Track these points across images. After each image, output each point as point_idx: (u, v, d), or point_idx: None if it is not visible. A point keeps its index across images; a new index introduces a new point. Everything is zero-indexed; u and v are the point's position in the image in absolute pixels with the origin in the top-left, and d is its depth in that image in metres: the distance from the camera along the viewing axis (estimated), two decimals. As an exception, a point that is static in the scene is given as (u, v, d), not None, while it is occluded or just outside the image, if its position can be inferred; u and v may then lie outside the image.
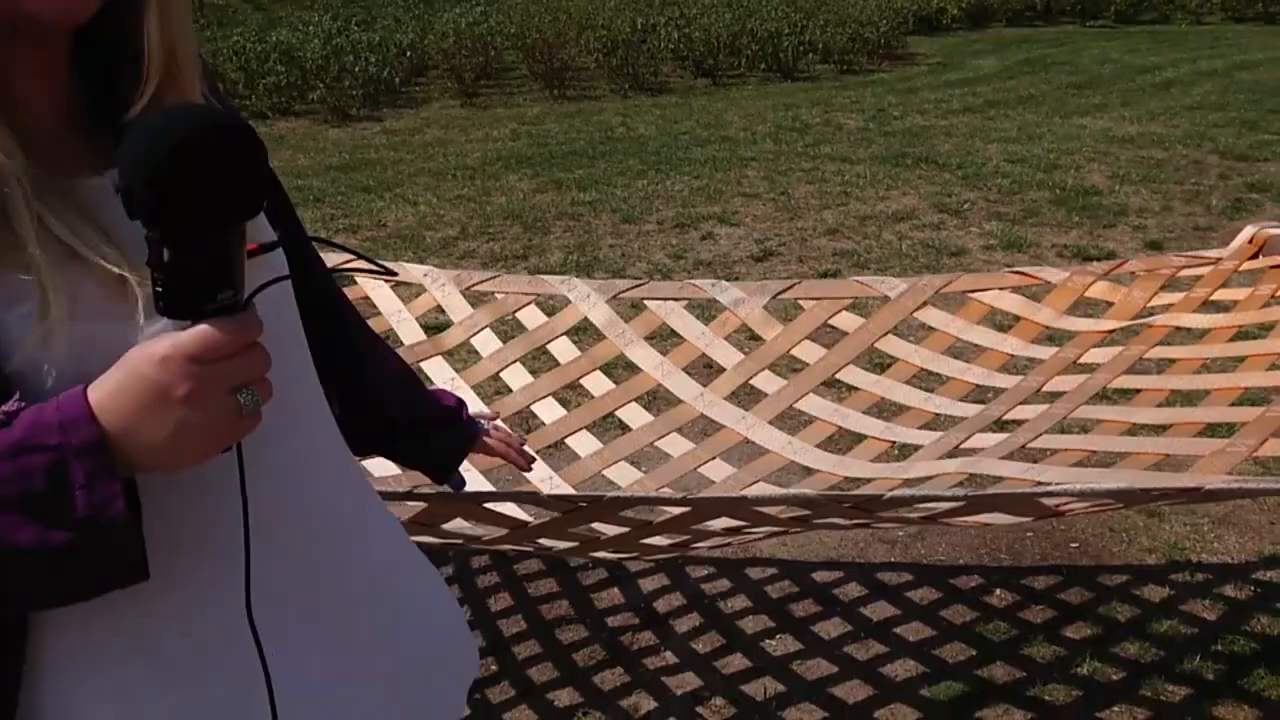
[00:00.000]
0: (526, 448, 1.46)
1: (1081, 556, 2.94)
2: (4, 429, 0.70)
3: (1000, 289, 2.63)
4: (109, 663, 0.83)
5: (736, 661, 2.55)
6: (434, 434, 1.29)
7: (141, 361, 0.72)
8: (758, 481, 2.29)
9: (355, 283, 2.83)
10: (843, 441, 2.56)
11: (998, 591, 2.79)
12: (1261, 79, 10.55)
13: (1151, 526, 3.07)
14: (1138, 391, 2.39)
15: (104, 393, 0.72)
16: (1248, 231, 2.67)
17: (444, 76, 11.95)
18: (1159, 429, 2.24)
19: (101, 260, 0.75)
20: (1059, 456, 2.18)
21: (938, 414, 2.49)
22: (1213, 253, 2.70)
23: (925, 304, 2.61)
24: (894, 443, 2.43)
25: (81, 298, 0.75)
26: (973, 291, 2.63)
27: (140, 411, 0.71)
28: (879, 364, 2.84)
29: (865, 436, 2.43)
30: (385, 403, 1.21)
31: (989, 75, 11.52)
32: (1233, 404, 2.24)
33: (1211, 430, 2.26)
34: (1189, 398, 2.53)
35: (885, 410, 2.56)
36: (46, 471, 0.70)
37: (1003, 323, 2.72)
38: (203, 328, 0.72)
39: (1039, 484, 2.00)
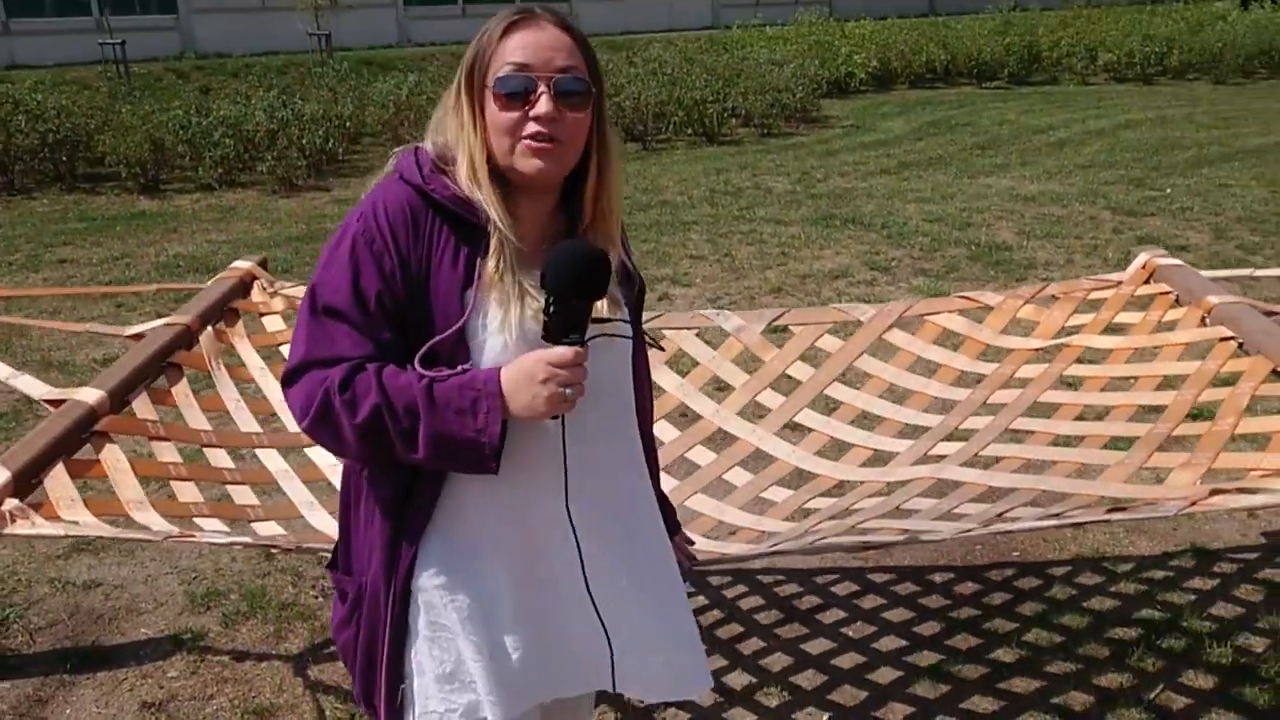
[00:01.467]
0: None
1: (1024, 560, 3.52)
2: (464, 373, 1.45)
3: (949, 311, 3.23)
4: (477, 503, 1.56)
5: (754, 644, 3.06)
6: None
7: (528, 358, 1.44)
8: (771, 485, 2.82)
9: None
10: (834, 449, 3.10)
11: (959, 586, 3.35)
12: (1143, 138, 11.62)
13: (1079, 536, 3.66)
14: (1059, 406, 2.98)
15: (508, 371, 1.45)
16: (1141, 259, 3.32)
17: (382, 144, 12.41)
18: (1076, 439, 2.83)
19: (535, 303, 1.48)
20: (1004, 463, 2.80)
21: (908, 424, 3.07)
22: (1114, 276, 3.32)
23: (891, 326, 3.19)
24: (875, 450, 2.98)
25: (521, 321, 1.48)
26: (928, 314, 3.22)
27: (519, 384, 1.43)
28: (858, 380, 3.37)
29: (852, 445, 2.98)
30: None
31: (899, 137, 12.43)
32: (1129, 419, 2.85)
33: (1114, 443, 2.86)
34: (1097, 412, 3.10)
35: (866, 420, 3.10)
36: (472, 400, 1.43)
37: (953, 341, 3.29)
38: (559, 349, 1.42)
39: (994, 488, 2.57)
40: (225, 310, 3.34)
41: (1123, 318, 3.16)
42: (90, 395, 2.71)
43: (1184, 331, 2.95)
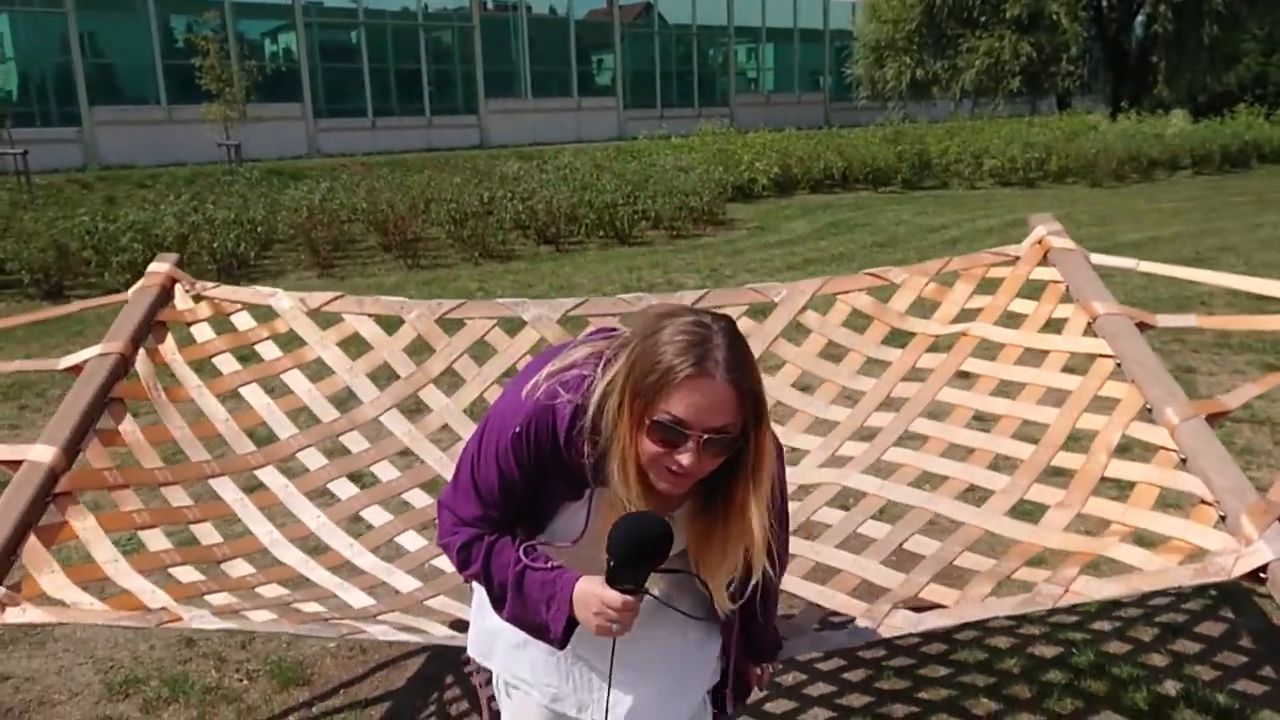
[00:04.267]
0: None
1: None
2: (553, 572, 1.75)
3: (858, 290, 3.39)
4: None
5: None
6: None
7: (593, 588, 1.69)
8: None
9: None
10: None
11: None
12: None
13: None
14: (953, 408, 3.15)
15: (579, 586, 1.72)
16: (1038, 232, 3.45)
17: (295, 249, 12.42)
18: (967, 451, 3.01)
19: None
20: (901, 473, 3.01)
21: (817, 418, 3.23)
22: (1011, 250, 3.49)
23: (805, 308, 3.33)
24: (791, 448, 3.08)
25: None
26: (839, 293, 3.38)
27: (580, 603, 1.71)
28: (773, 366, 3.45)
29: None
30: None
31: (803, 237, 12.91)
32: (1013, 435, 3.01)
33: (999, 461, 3.03)
34: (985, 421, 3.23)
35: (778, 412, 3.18)
36: (549, 597, 1.74)
37: (861, 323, 3.43)
38: (613, 594, 1.65)
39: (892, 501, 2.70)
40: (153, 325, 3.32)
41: (1016, 306, 3.32)
42: (45, 454, 2.72)
43: (1069, 339, 3.13)
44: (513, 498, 1.78)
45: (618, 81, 31.68)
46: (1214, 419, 2.77)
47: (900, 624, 2.43)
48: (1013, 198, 16.70)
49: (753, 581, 1.77)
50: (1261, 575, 2.21)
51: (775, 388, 3.30)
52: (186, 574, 2.69)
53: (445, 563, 2.93)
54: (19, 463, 2.71)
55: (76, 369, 3.13)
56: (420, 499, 3.22)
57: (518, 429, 1.71)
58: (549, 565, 1.76)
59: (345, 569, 2.91)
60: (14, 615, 2.28)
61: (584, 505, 1.75)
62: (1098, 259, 3.36)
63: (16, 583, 2.43)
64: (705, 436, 1.59)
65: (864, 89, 30.57)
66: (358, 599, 2.67)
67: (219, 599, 2.55)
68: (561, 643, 1.75)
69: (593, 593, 1.68)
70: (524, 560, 1.76)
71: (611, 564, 1.63)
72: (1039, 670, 3.22)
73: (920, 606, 2.52)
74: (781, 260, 11.13)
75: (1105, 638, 3.40)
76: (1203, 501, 2.52)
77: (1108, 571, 2.51)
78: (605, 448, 1.66)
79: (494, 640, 1.93)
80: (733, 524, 1.71)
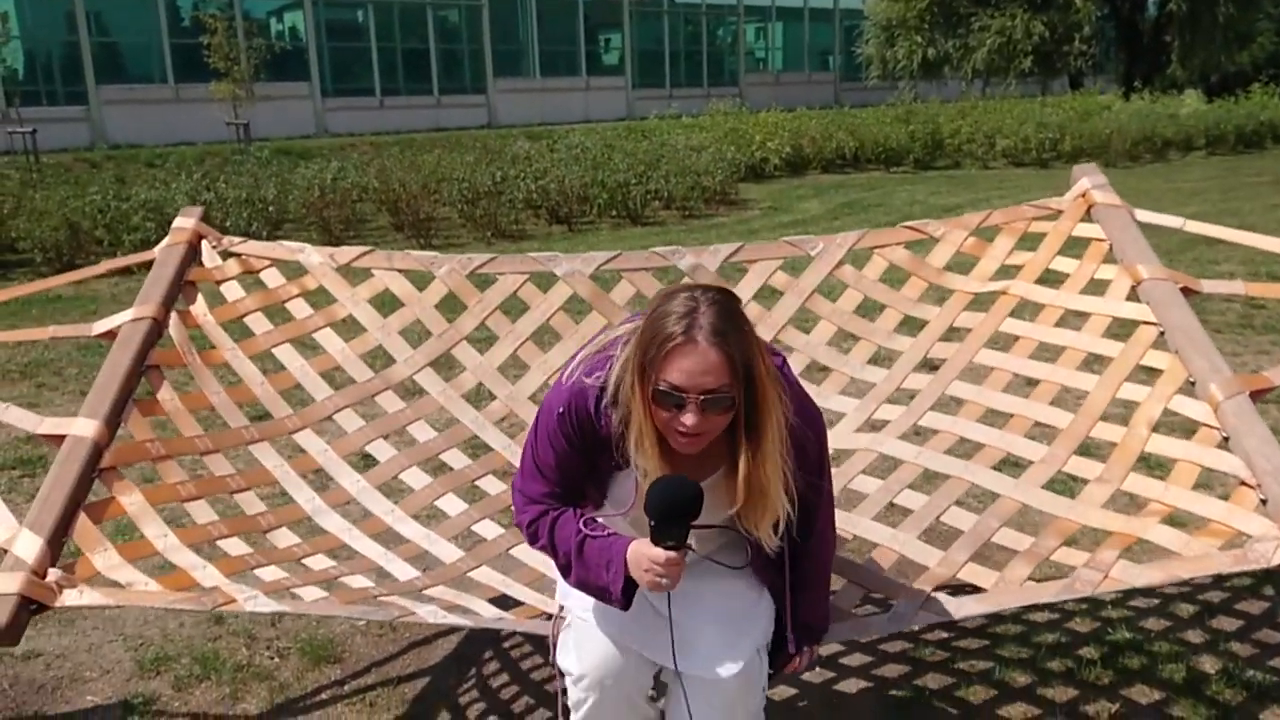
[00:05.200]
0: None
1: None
2: (609, 539, 1.94)
3: (896, 244, 3.31)
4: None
5: None
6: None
7: (641, 550, 1.88)
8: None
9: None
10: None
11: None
12: (1045, 214, 12.20)
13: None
14: (991, 371, 3.09)
15: (631, 548, 1.90)
16: (1081, 184, 3.35)
17: (306, 229, 12.38)
18: (1004, 418, 2.96)
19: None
20: (937, 440, 2.96)
21: (852, 378, 3.18)
22: (1054, 202, 3.39)
23: (842, 263, 3.28)
24: (826, 409, 3.03)
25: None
26: (876, 246, 3.31)
27: (632, 564, 1.89)
28: (807, 323, 3.41)
29: None
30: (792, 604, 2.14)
31: (816, 217, 12.84)
32: (1052, 402, 2.96)
33: (1036, 430, 2.97)
34: (1025, 383, 3.16)
35: (814, 373, 3.15)
36: (607, 561, 1.93)
37: (899, 276, 3.36)
38: (657, 551, 1.84)
39: (928, 470, 2.65)
40: (183, 285, 3.30)
41: (1057, 264, 3.25)
42: (88, 428, 2.69)
43: (1111, 303, 3.07)
44: (570, 472, 1.98)
45: (626, 61, 31.50)
46: (1257, 395, 2.74)
47: (939, 611, 2.42)
48: (1027, 178, 16.60)
49: (781, 518, 1.92)
50: None
51: (810, 346, 3.26)
52: (234, 546, 2.67)
53: (486, 529, 2.92)
54: (61, 437, 2.69)
55: (110, 334, 3.10)
56: (457, 459, 3.19)
57: (561, 409, 1.94)
58: (606, 533, 1.94)
59: (387, 535, 2.89)
60: (72, 598, 2.26)
61: (631, 473, 1.92)
62: (1141, 215, 3.28)
63: (70, 563, 2.41)
64: (701, 398, 1.77)
65: (875, 68, 30.40)
66: (402, 570, 2.65)
67: (268, 573, 2.53)
68: (624, 603, 1.91)
69: (642, 552, 1.87)
70: (584, 530, 1.95)
71: (652, 524, 1.81)
72: (1076, 645, 3.20)
73: (958, 589, 2.49)
74: (796, 240, 11.07)
75: (1143, 614, 3.38)
76: (1243, 483, 2.49)
77: (1145, 554, 2.47)
78: (626, 421, 1.86)
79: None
80: (754, 475, 1.86)
